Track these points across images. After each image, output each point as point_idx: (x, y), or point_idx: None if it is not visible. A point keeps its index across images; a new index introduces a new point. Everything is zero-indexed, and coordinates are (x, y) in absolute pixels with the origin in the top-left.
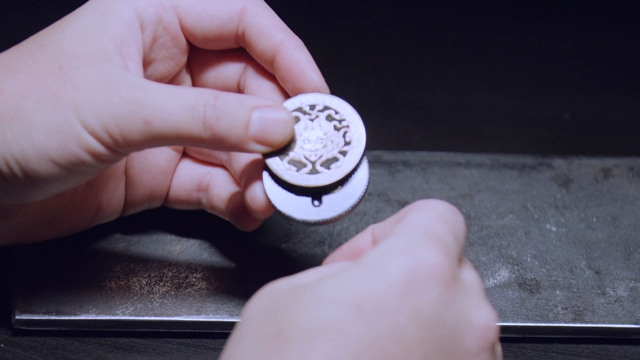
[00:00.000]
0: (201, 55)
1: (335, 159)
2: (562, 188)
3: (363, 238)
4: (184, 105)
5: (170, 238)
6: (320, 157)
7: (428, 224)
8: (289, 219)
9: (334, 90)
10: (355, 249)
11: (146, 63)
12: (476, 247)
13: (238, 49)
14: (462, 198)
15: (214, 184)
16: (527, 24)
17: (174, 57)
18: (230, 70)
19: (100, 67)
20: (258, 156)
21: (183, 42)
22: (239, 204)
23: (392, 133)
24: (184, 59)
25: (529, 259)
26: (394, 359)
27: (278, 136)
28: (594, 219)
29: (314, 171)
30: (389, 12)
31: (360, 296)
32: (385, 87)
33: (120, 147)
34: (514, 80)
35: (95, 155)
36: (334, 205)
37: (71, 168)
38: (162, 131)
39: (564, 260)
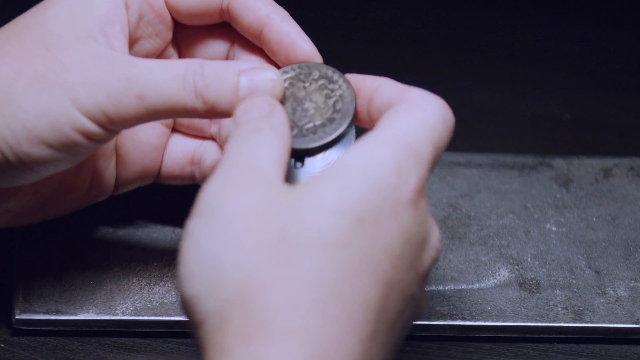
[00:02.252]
0: (187, 31)
1: (322, 125)
2: (562, 188)
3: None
4: (175, 76)
5: (170, 238)
6: (308, 122)
7: (415, 137)
8: None
9: None
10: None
11: (132, 41)
12: (476, 247)
13: (224, 25)
14: (462, 198)
15: (207, 157)
16: (527, 24)
17: (160, 33)
18: (217, 46)
19: (87, 46)
20: None
21: (168, 18)
22: None
23: None
24: (170, 35)
25: (529, 259)
26: (385, 274)
27: (269, 92)
28: (594, 219)
29: (299, 134)
30: (389, 12)
31: (360, 208)
32: None
33: (114, 125)
34: (514, 80)
35: (88, 135)
36: (315, 169)
37: (64, 149)
38: (156, 105)
39: (564, 260)
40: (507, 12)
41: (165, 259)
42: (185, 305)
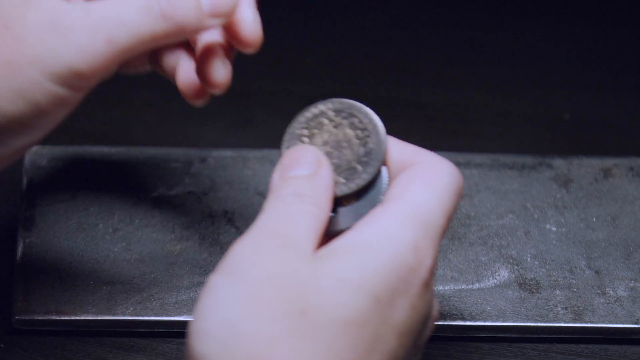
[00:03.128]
0: None
1: (354, 169)
2: (562, 188)
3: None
4: (139, 7)
5: (170, 238)
6: (339, 167)
7: (432, 211)
8: None
9: (334, 91)
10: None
11: None
12: (476, 247)
13: None
14: (462, 198)
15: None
16: (527, 24)
17: None
18: None
19: (42, 8)
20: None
21: None
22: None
23: (392, 133)
24: None
25: (528, 259)
26: (392, 352)
27: (228, 3)
28: (594, 219)
29: None
30: (389, 12)
31: (378, 287)
32: (385, 87)
33: (88, 81)
34: (514, 80)
35: (64, 102)
36: (347, 215)
37: (41, 124)
38: (126, 43)
39: (563, 260)
40: (507, 12)
41: (165, 259)
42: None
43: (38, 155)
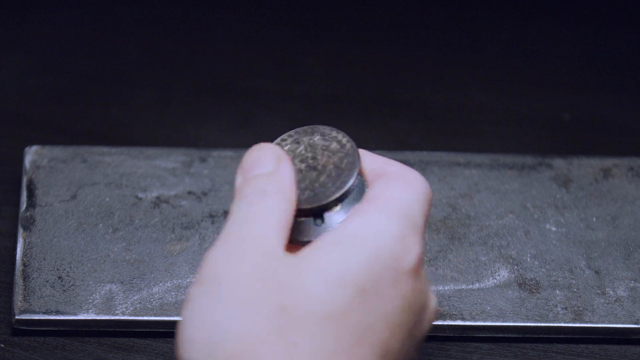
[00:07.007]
0: None
1: (332, 179)
2: (561, 188)
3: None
4: None
5: (170, 238)
6: (317, 178)
7: (413, 209)
8: (294, 242)
9: (334, 91)
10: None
11: None
12: (476, 247)
13: None
14: (461, 198)
15: None
16: (527, 24)
17: None
18: None
19: None
20: None
21: None
22: None
23: (392, 133)
24: None
25: (528, 259)
26: (383, 343)
27: None
28: (594, 219)
29: (312, 192)
30: (389, 12)
31: (362, 278)
32: (385, 87)
33: None
34: (514, 80)
35: None
36: (335, 222)
37: None
38: None
39: (563, 260)
40: (507, 12)
41: (165, 260)
42: None
43: (38, 155)
